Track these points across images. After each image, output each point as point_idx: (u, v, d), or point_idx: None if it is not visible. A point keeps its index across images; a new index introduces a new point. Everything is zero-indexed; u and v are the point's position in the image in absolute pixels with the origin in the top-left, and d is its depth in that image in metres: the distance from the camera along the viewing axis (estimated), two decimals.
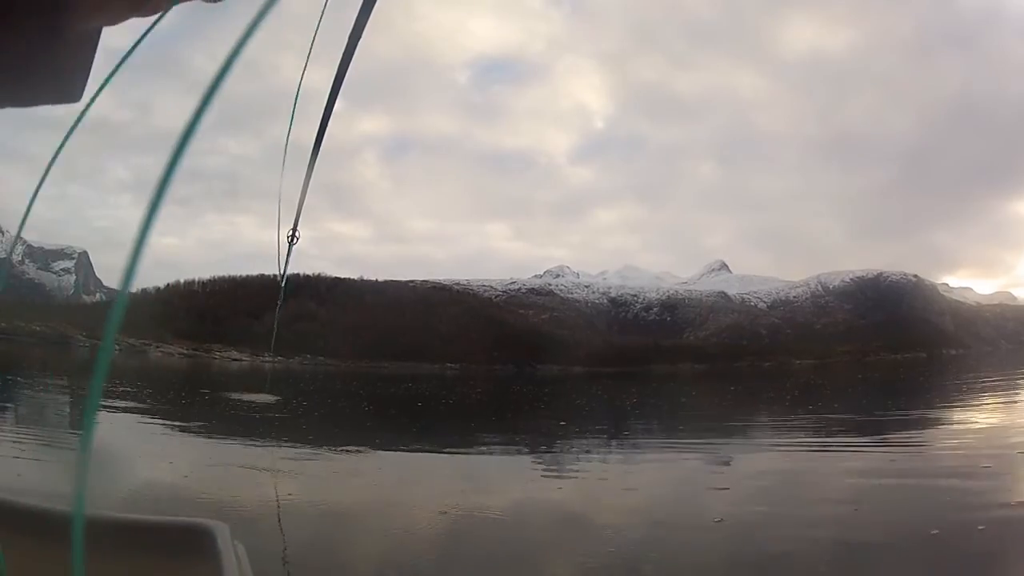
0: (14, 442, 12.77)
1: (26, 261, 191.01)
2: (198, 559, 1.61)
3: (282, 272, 3.17)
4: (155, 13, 0.84)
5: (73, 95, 0.82)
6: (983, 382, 39.23)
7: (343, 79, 2.01)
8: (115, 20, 0.80)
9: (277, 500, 9.48)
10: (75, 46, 0.79)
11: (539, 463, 14.18)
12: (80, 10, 0.75)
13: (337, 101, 2.16)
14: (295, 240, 2.93)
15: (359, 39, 1.74)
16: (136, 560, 1.59)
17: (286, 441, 15.39)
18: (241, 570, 1.61)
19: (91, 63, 0.83)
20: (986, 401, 25.45)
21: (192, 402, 26.45)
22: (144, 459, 11.65)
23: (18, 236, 1.60)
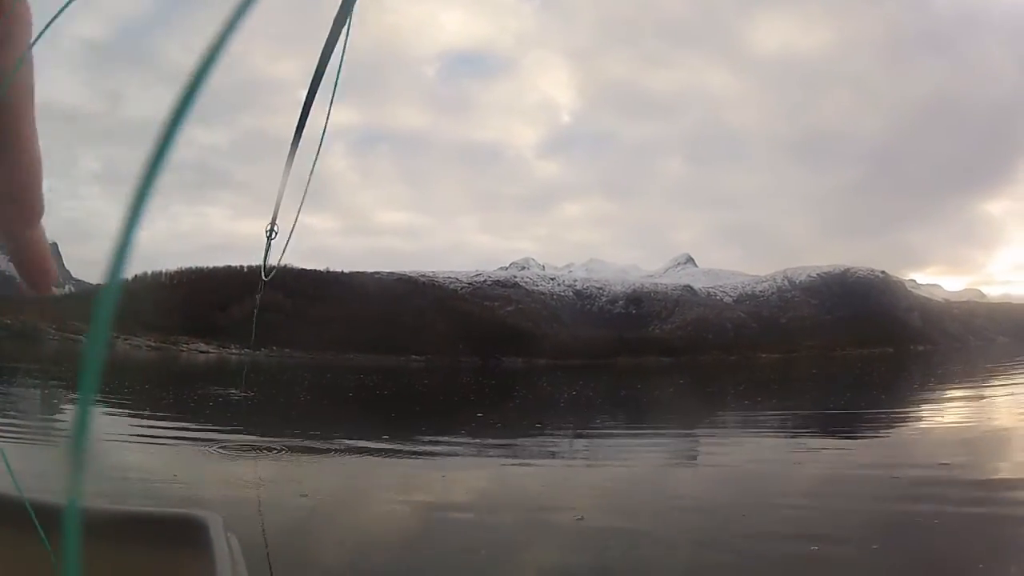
0: None
1: None
2: (191, 550, 1.61)
3: (263, 268, 3.11)
4: None
5: None
6: (949, 378, 39.89)
7: (322, 75, 1.98)
8: None
9: (251, 491, 9.43)
10: None
11: (502, 454, 14.20)
12: None
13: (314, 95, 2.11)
14: (274, 235, 2.86)
15: (339, 35, 1.70)
16: (129, 551, 1.59)
17: (251, 432, 15.31)
18: (234, 561, 1.62)
19: None
20: (950, 397, 25.88)
21: (161, 396, 26.24)
22: (117, 453, 11.49)
23: None
